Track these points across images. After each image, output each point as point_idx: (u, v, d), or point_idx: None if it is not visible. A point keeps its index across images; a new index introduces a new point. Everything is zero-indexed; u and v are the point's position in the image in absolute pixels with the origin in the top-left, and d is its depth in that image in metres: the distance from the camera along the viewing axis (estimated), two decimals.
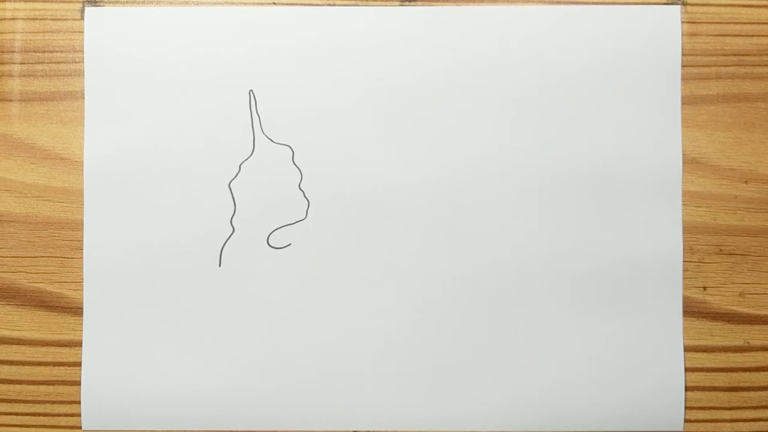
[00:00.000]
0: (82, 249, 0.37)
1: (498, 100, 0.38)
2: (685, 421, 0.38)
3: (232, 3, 0.38)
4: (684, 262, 0.38)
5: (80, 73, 0.38)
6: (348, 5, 0.38)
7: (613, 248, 0.38)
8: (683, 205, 0.38)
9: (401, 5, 0.38)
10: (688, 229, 0.38)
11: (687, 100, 0.38)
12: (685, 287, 0.38)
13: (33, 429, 0.38)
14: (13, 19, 0.38)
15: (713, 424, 0.38)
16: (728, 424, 0.38)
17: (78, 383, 0.37)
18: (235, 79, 0.38)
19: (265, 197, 0.38)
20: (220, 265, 0.38)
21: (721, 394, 0.38)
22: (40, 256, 0.38)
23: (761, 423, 0.38)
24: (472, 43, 0.38)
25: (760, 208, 0.38)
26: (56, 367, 0.37)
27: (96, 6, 0.38)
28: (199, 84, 0.38)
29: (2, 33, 0.38)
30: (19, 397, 0.38)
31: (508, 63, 0.38)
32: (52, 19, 0.38)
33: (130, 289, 0.37)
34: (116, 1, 0.38)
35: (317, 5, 0.38)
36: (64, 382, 0.37)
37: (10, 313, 0.38)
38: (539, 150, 0.38)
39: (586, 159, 0.38)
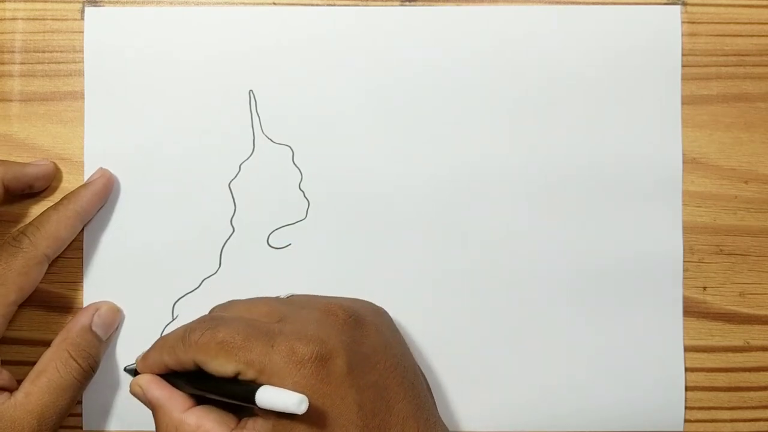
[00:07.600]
0: (82, 249, 0.37)
1: (498, 100, 0.38)
2: (685, 421, 0.38)
3: (232, 3, 0.38)
4: (684, 262, 0.38)
5: (80, 73, 0.38)
6: (348, 5, 0.38)
7: (613, 248, 0.38)
8: (683, 205, 0.38)
9: (401, 5, 0.38)
10: (688, 229, 0.38)
11: (687, 100, 0.38)
12: (685, 287, 0.38)
13: None
14: (13, 19, 0.38)
15: (713, 424, 0.38)
16: (728, 424, 0.38)
17: None
18: (235, 79, 0.38)
19: (265, 197, 0.38)
20: (220, 265, 0.38)
21: (721, 394, 0.38)
22: None
23: (761, 423, 0.38)
24: (471, 43, 0.38)
25: (760, 208, 0.38)
26: None
27: (96, 6, 0.38)
28: (199, 84, 0.38)
29: (2, 33, 0.38)
30: None
31: (508, 63, 0.38)
32: (52, 19, 0.38)
33: (130, 289, 0.37)
34: (116, 1, 0.38)
35: (317, 5, 0.38)
36: None
37: None
38: (539, 150, 0.38)
39: (585, 159, 0.38)
